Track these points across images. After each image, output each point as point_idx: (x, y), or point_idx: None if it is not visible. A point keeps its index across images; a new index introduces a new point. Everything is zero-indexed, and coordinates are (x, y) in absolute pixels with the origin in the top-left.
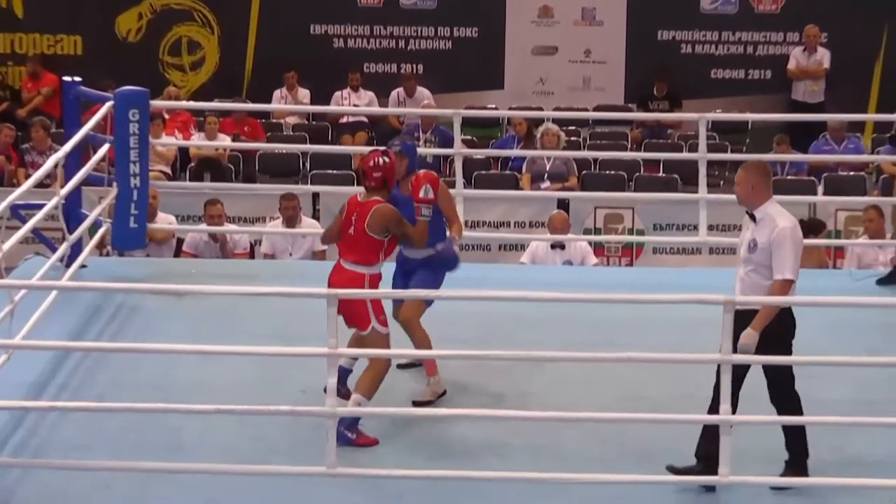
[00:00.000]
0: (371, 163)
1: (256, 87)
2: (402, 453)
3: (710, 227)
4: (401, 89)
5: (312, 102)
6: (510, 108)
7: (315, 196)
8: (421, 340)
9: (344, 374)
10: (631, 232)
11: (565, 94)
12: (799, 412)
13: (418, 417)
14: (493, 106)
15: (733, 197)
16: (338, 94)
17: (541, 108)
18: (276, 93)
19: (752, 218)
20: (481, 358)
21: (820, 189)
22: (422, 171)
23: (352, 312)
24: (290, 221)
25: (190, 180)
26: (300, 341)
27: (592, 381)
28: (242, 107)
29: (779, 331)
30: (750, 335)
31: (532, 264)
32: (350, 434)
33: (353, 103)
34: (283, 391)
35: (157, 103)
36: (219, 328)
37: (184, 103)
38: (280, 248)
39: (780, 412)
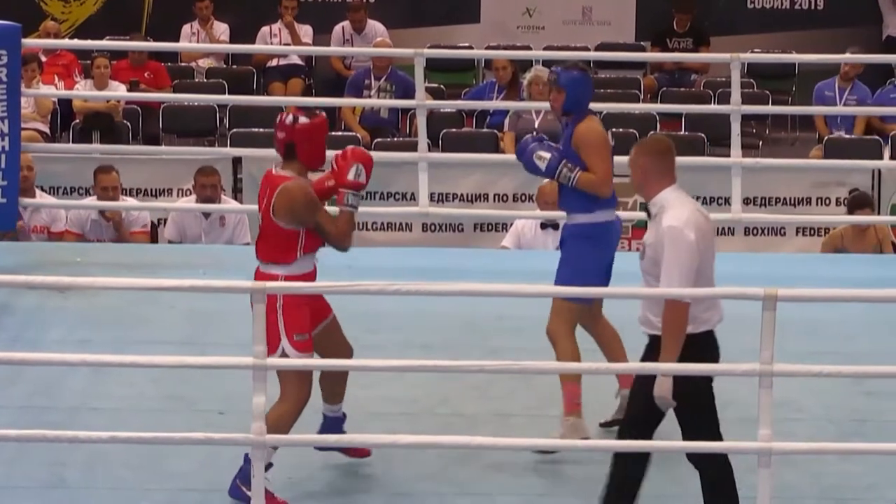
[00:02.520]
0: (278, 120)
1: (159, 20)
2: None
3: (746, 201)
4: (347, 23)
5: (233, 40)
6: (488, 48)
7: (236, 162)
8: (565, 355)
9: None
10: (644, 207)
11: (559, 29)
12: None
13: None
14: (467, 44)
15: (775, 162)
16: (265, 29)
17: (528, 48)
18: (186, 28)
19: (648, 212)
20: (454, 369)
21: (887, 152)
22: (350, 148)
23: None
24: (207, 203)
25: (74, 142)
26: (217, 349)
27: (594, 399)
28: (141, 46)
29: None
30: (661, 385)
31: (517, 249)
32: (245, 489)
33: (285, 41)
34: (195, 413)
35: (30, 42)
36: (113, 332)
37: (66, 42)
38: (191, 235)
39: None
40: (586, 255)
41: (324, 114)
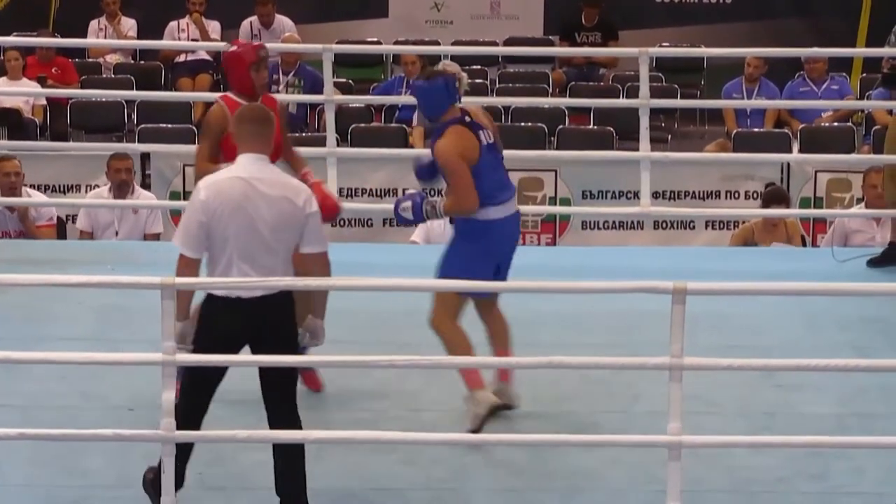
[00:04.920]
0: None
1: (67, 16)
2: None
3: (655, 195)
4: (255, 18)
5: (140, 35)
6: (396, 42)
7: (144, 157)
8: (453, 346)
9: None
10: (553, 202)
11: (468, 24)
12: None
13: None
14: (375, 39)
15: (684, 156)
16: (173, 24)
17: (437, 43)
18: (93, 23)
19: None
20: (363, 365)
21: (795, 145)
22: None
23: None
24: (122, 189)
25: None
26: (127, 346)
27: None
28: (49, 42)
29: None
30: (179, 327)
31: (426, 244)
32: None
33: (193, 37)
34: (104, 409)
35: None
36: (21, 329)
37: None
38: (103, 224)
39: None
40: (465, 252)
41: (237, 44)
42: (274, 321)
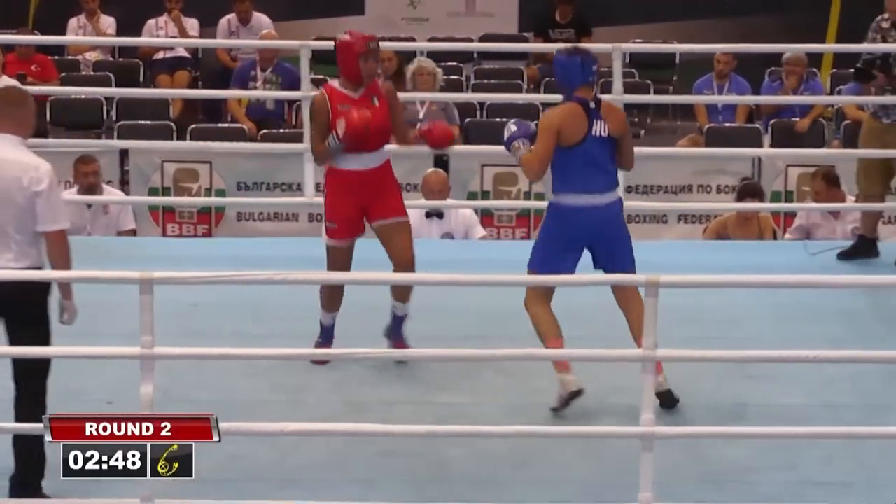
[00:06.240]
0: None
1: (46, 13)
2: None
3: (628, 189)
4: (232, 16)
5: (119, 33)
6: None
7: (123, 154)
8: (538, 327)
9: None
10: (528, 196)
11: (443, 21)
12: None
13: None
14: None
15: (658, 150)
16: (151, 22)
17: (412, 39)
18: (73, 21)
19: None
20: (341, 357)
21: (766, 139)
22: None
23: None
24: (90, 192)
25: None
26: (106, 339)
27: (480, 387)
28: (29, 39)
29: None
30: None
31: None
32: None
33: (172, 34)
34: (83, 402)
35: None
36: None
37: None
38: (74, 225)
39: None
40: (542, 237)
41: (350, 34)
42: (17, 300)
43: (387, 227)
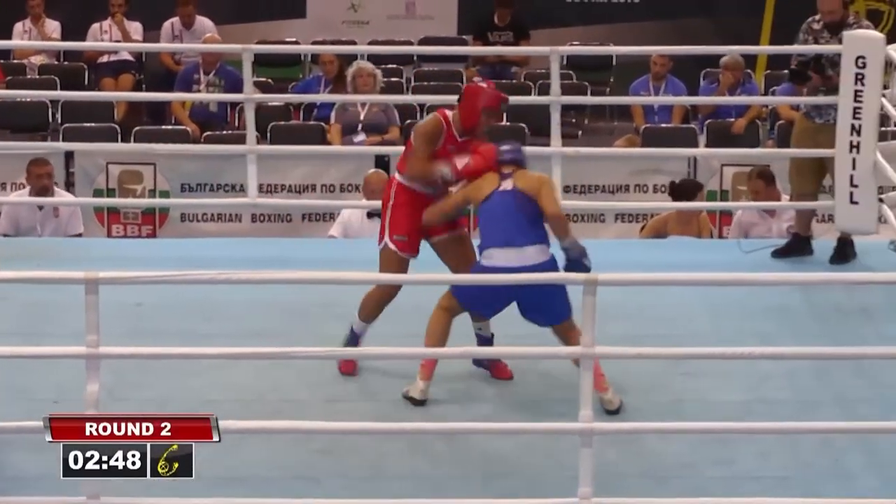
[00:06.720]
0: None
1: None
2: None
3: (567, 189)
4: (176, 19)
5: (64, 37)
6: (314, 43)
7: (68, 156)
8: (430, 331)
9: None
10: None
11: (384, 24)
12: None
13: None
14: (293, 40)
15: (596, 151)
16: (96, 26)
17: (353, 42)
18: (18, 25)
19: None
20: (284, 356)
21: (702, 139)
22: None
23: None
24: (42, 194)
25: None
26: (51, 340)
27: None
28: None
29: None
30: None
31: (344, 238)
32: None
33: (116, 38)
34: (30, 401)
35: None
36: None
37: None
38: (25, 227)
39: None
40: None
41: (487, 85)
42: None
43: (444, 242)
